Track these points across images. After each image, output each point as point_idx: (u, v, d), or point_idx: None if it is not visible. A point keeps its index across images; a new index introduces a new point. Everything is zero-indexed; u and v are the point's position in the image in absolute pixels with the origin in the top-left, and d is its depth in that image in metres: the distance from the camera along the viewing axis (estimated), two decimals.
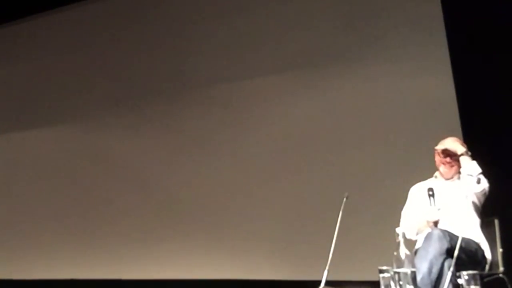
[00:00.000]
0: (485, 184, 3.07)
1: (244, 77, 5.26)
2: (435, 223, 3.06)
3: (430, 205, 3.08)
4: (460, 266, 2.69)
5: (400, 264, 2.56)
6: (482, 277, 2.68)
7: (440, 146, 3.28)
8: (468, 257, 2.86)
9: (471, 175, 3.06)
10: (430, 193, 3.10)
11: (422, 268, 2.73)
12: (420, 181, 3.39)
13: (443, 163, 3.26)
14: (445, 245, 2.76)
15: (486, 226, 3.16)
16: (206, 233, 5.18)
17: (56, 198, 6.00)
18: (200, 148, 5.39)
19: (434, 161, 3.34)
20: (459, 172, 3.25)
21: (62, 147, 6.12)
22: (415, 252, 3.03)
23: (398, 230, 2.74)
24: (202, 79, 5.47)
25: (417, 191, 3.35)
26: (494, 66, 4.08)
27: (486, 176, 3.10)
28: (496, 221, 3.17)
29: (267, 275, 4.83)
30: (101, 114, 5.95)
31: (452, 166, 3.24)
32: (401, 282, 2.54)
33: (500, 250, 3.06)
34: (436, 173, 3.34)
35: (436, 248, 2.76)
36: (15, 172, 6.38)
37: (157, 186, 5.53)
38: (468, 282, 2.56)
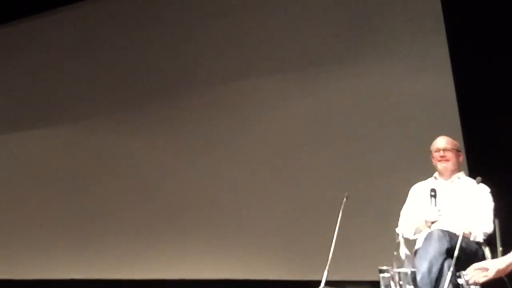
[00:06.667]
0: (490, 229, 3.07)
1: (245, 77, 5.26)
2: (434, 224, 3.06)
3: (431, 205, 3.09)
4: (460, 266, 2.69)
5: (400, 264, 2.57)
6: None
7: (433, 146, 3.31)
8: (468, 257, 2.86)
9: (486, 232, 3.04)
10: (433, 193, 3.11)
11: (422, 268, 2.73)
12: (420, 181, 3.39)
13: (439, 160, 3.27)
14: (445, 245, 2.76)
15: None
16: (206, 233, 5.18)
17: (56, 198, 6.00)
18: (201, 148, 5.39)
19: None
20: (457, 170, 3.29)
21: (62, 147, 6.12)
22: (415, 252, 3.03)
23: (398, 230, 2.74)
24: (203, 80, 5.47)
25: (417, 190, 3.35)
26: (494, 65, 4.08)
27: (486, 176, 3.10)
28: (496, 221, 3.17)
29: (267, 275, 4.83)
30: (101, 114, 5.95)
31: (447, 160, 3.26)
32: (401, 282, 2.54)
33: (500, 249, 3.05)
34: (435, 174, 3.34)
35: (436, 248, 2.76)
36: (14, 172, 6.38)
37: (157, 186, 5.53)
38: (468, 282, 2.56)
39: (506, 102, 4.00)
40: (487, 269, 2.31)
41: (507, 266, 2.27)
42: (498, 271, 2.27)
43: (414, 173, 3.46)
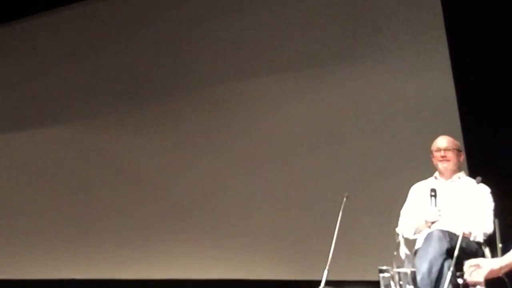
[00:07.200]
0: (490, 229, 3.06)
1: (245, 77, 5.26)
2: (434, 224, 3.06)
3: (431, 205, 3.09)
4: (460, 266, 2.69)
5: (400, 264, 2.56)
6: None
7: (433, 145, 3.31)
8: (468, 257, 2.85)
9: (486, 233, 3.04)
10: (433, 193, 3.11)
11: (422, 268, 2.73)
12: (420, 181, 3.39)
13: (439, 160, 3.27)
14: (445, 245, 2.76)
15: None
16: (206, 233, 5.18)
17: (56, 198, 6.00)
18: (201, 148, 5.39)
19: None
20: (458, 170, 3.29)
21: (62, 147, 6.12)
22: (415, 252, 3.03)
23: (398, 230, 2.73)
24: (203, 80, 5.47)
25: (417, 190, 3.35)
26: (494, 66, 4.08)
27: (486, 176, 3.10)
28: (496, 221, 3.17)
29: (267, 275, 4.83)
30: (101, 114, 5.95)
31: (448, 160, 3.26)
32: (401, 282, 2.53)
33: (499, 245, 3.05)
34: (436, 174, 3.34)
35: (436, 248, 2.76)
36: (14, 172, 6.38)
37: (158, 186, 5.53)
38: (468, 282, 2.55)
39: (506, 102, 4.00)
40: (481, 267, 2.30)
41: (501, 268, 2.26)
42: (492, 271, 2.26)
43: (414, 173, 3.46)
